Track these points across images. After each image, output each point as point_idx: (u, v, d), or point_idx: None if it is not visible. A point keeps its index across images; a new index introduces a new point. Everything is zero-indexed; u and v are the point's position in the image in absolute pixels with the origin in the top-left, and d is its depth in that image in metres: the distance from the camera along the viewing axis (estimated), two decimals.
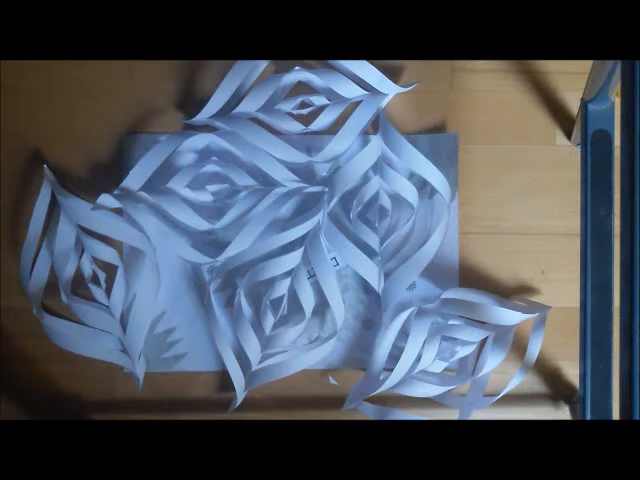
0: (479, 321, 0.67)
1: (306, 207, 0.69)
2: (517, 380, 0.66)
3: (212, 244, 0.68)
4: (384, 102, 0.68)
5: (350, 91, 0.68)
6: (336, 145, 0.67)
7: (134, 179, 0.65)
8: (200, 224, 0.66)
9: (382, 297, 0.68)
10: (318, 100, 0.68)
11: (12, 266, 0.68)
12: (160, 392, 0.69)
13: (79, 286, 0.68)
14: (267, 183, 0.67)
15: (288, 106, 0.68)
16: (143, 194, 0.65)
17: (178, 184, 0.66)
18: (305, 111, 0.68)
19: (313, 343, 0.69)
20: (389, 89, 0.68)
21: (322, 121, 0.67)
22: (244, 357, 0.67)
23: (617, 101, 0.61)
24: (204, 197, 0.67)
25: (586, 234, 0.62)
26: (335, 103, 0.68)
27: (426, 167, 0.66)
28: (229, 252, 0.66)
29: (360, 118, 0.68)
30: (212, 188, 0.67)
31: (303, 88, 0.69)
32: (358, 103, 0.68)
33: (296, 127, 0.67)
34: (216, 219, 0.67)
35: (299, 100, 0.68)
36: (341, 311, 0.67)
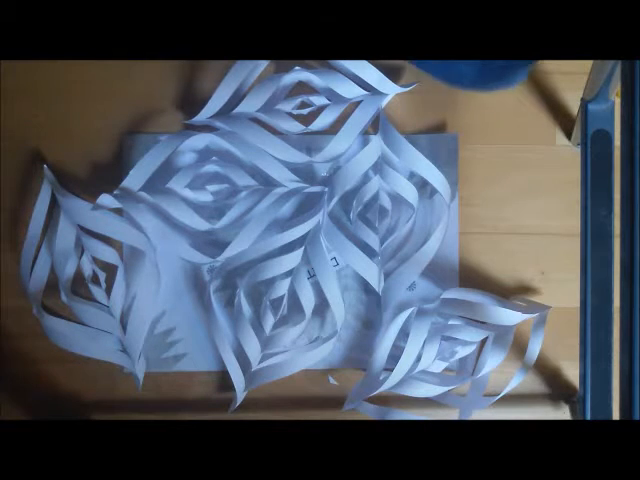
0: (479, 321, 0.67)
1: (306, 207, 0.69)
2: (517, 380, 0.66)
3: (212, 244, 0.68)
4: (384, 102, 0.68)
5: (350, 91, 0.68)
6: (336, 145, 0.67)
7: (134, 179, 0.65)
8: (200, 224, 0.66)
9: (382, 297, 0.68)
10: (318, 100, 0.68)
11: (12, 266, 0.68)
12: (160, 392, 0.69)
13: (79, 286, 0.68)
14: (267, 183, 0.67)
15: (288, 106, 0.68)
16: (143, 194, 0.65)
17: (178, 184, 0.66)
18: (305, 111, 0.68)
19: (313, 343, 0.69)
20: (389, 89, 0.68)
21: (322, 121, 0.67)
22: (244, 357, 0.67)
23: (617, 101, 0.61)
24: (204, 197, 0.67)
25: (586, 234, 0.62)
26: (335, 103, 0.68)
27: (426, 167, 0.66)
28: (229, 252, 0.66)
29: (360, 118, 0.68)
30: (212, 188, 0.67)
31: (303, 88, 0.69)
32: (358, 103, 0.68)
33: (296, 127, 0.67)
34: (216, 219, 0.67)
35: (299, 100, 0.68)
36: (341, 311, 0.67)
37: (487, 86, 0.65)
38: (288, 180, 0.67)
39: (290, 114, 0.68)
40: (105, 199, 0.64)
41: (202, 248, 0.67)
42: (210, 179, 0.67)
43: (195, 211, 0.66)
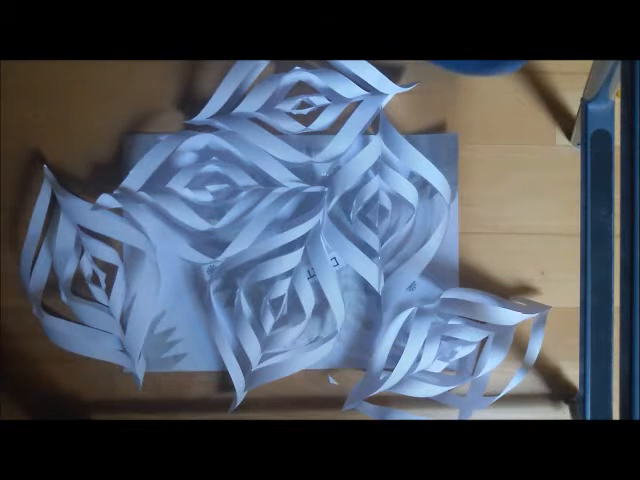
0: (479, 321, 0.67)
1: (306, 207, 0.69)
2: (517, 380, 0.66)
3: (212, 244, 0.68)
4: (384, 102, 0.68)
5: (350, 91, 0.68)
6: (336, 145, 0.67)
7: (134, 179, 0.65)
8: (200, 224, 0.66)
9: (382, 297, 0.68)
10: (318, 100, 0.68)
11: (12, 266, 0.68)
12: (160, 392, 0.69)
13: (79, 286, 0.68)
14: (267, 183, 0.67)
15: (288, 106, 0.68)
16: (143, 194, 0.65)
17: (178, 184, 0.66)
18: (305, 111, 0.68)
19: (313, 343, 0.69)
20: (389, 89, 0.68)
21: (322, 121, 0.67)
22: (244, 357, 0.67)
23: (617, 101, 0.61)
24: (204, 197, 0.67)
25: (586, 234, 0.62)
26: (335, 103, 0.68)
27: (426, 167, 0.66)
28: (229, 252, 0.66)
29: (360, 118, 0.68)
30: (212, 188, 0.67)
31: (303, 88, 0.69)
32: (358, 103, 0.68)
33: (296, 127, 0.67)
34: (216, 219, 0.67)
35: (299, 100, 0.68)
36: (341, 311, 0.67)
37: (489, 71, 0.65)
38: (288, 180, 0.67)
39: (290, 114, 0.68)
40: (105, 199, 0.64)
41: (202, 248, 0.67)
42: (210, 179, 0.67)
43: (195, 211, 0.66)
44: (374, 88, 0.68)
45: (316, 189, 0.67)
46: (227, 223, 0.67)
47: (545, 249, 0.70)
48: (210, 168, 0.67)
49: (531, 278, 0.70)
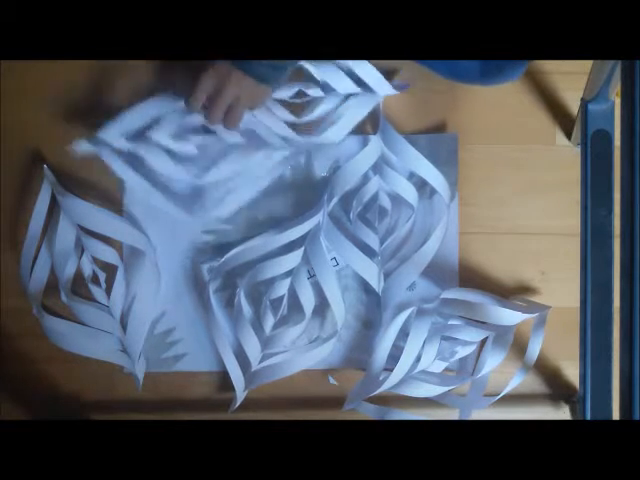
0: (479, 321, 0.67)
1: (306, 207, 0.69)
2: (517, 380, 0.66)
3: (212, 244, 0.68)
4: (378, 101, 0.67)
5: (345, 87, 0.66)
6: (329, 135, 0.66)
7: (116, 128, 0.63)
8: (180, 174, 0.64)
9: (382, 297, 0.68)
10: (314, 92, 0.67)
11: (12, 266, 0.68)
12: (160, 392, 0.69)
13: (79, 286, 0.68)
14: (254, 139, 0.66)
15: (285, 94, 0.66)
16: (122, 141, 0.63)
17: (160, 133, 0.63)
18: (300, 100, 0.66)
19: (313, 343, 0.68)
20: (383, 90, 0.67)
21: (315, 113, 0.66)
22: (244, 357, 0.67)
23: (617, 101, 0.61)
24: (187, 148, 0.64)
25: (586, 234, 0.62)
26: (330, 96, 0.67)
27: (426, 167, 0.66)
28: (224, 210, 0.66)
29: (352, 115, 0.67)
30: (197, 140, 0.64)
31: (301, 76, 0.67)
32: (351, 97, 0.67)
33: (288, 117, 0.66)
34: (201, 175, 0.65)
35: (296, 89, 0.66)
36: (341, 311, 0.67)
37: (489, 81, 0.65)
38: (278, 137, 0.65)
39: (285, 102, 0.66)
40: (82, 144, 0.62)
41: (202, 250, 0.67)
42: (195, 130, 0.65)
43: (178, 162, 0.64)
44: (368, 86, 0.67)
45: (302, 147, 0.66)
46: (212, 180, 0.65)
47: (545, 249, 0.70)
48: (196, 118, 0.63)
49: (531, 278, 0.70)
